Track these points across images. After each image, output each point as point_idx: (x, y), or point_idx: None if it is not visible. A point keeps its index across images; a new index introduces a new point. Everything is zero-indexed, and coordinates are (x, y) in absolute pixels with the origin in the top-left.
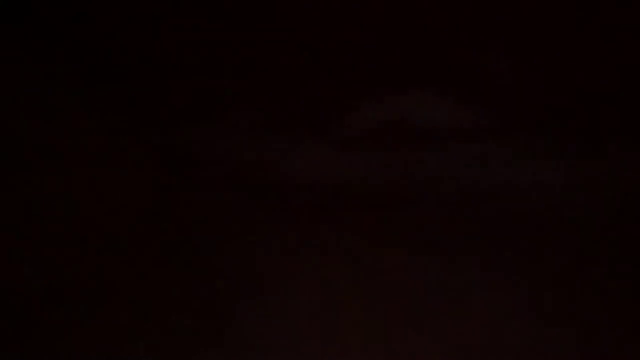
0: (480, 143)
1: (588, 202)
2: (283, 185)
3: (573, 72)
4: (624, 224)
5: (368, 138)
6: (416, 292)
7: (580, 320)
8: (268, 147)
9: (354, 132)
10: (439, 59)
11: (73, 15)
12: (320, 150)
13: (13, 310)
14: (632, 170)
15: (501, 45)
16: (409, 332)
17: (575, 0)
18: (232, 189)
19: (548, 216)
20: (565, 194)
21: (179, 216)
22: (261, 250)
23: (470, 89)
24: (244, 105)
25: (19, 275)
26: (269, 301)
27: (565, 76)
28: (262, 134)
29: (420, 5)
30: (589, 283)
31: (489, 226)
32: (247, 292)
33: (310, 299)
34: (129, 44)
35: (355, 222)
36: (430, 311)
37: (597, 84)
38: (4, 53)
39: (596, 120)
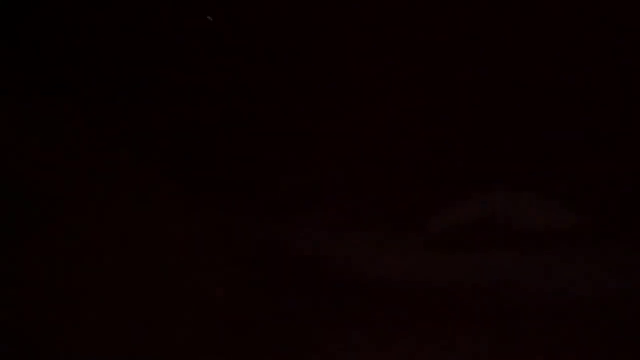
0: (583, 247)
1: None
2: (364, 286)
3: None
4: None
5: (458, 239)
6: None
7: None
8: (350, 244)
9: (443, 232)
10: (533, 156)
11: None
12: (407, 250)
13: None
14: None
15: (598, 144)
16: None
17: None
18: (312, 288)
19: None
20: None
21: (257, 315)
22: (342, 351)
23: (571, 188)
24: (328, 200)
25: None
26: None
27: None
28: (344, 231)
29: (512, 102)
30: None
31: (595, 344)
32: None
33: None
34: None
35: (438, 332)
36: None
37: None
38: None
39: None
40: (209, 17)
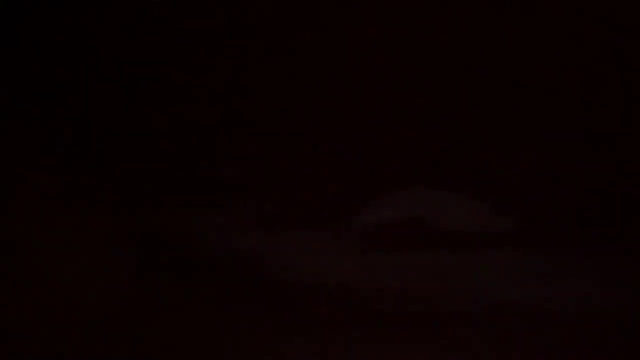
0: (511, 251)
1: (633, 326)
2: (278, 285)
3: (613, 177)
4: None
5: (380, 238)
6: None
7: None
8: (266, 242)
9: (364, 231)
10: (460, 155)
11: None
12: (325, 249)
13: None
14: None
15: (531, 144)
16: None
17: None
18: (224, 287)
19: (584, 339)
20: (605, 314)
21: (162, 319)
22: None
23: (499, 189)
24: (245, 195)
25: None
26: None
27: (604, 183)
28: (261, 228)
29: (445, 101)
30: None
31: (516, 350)
32: None
33: None
34: (119, 119)
35: (365, 338)
36: None
37: None
38: None
39: None
40: None
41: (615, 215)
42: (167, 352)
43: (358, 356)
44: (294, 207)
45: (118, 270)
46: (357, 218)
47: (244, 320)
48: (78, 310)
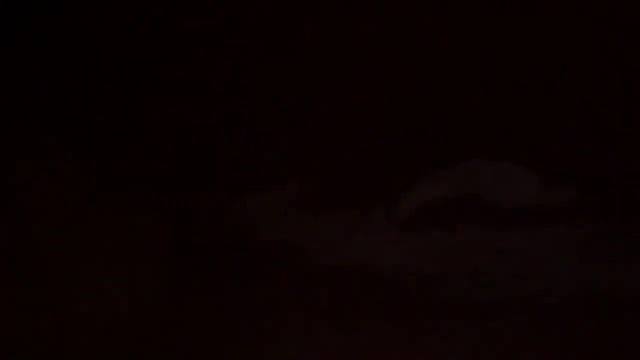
0: (570, 227)
1: None
2: (331, 271)
3: None
4: None
5: (429, 218)
6: None
7: None
8: (315, 226)
9: (412, 211)
10: (510, 125)
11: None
12: (376, 232)
13: None
14: None
15: (587, 113)
16: None
17: None
18: (264, 272)
19: None
20: None
21: (198, 309)
22: (300, 347)
23: (555, 160)
24: (287, 178)
25: None
26: None
27: None
28: (304, 212)
29: (490, 72)
30: None
31: (576, 334)
32: None
33: None
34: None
35: (412, 322)
36: None
37: None
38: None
39: None
40: None
41: None
42: (205, 334)
43: (403, 340)
44: (342, 189)
45: (153, 263)
46: (405, 197)
47: (281, 303)
48: (97, 310)
